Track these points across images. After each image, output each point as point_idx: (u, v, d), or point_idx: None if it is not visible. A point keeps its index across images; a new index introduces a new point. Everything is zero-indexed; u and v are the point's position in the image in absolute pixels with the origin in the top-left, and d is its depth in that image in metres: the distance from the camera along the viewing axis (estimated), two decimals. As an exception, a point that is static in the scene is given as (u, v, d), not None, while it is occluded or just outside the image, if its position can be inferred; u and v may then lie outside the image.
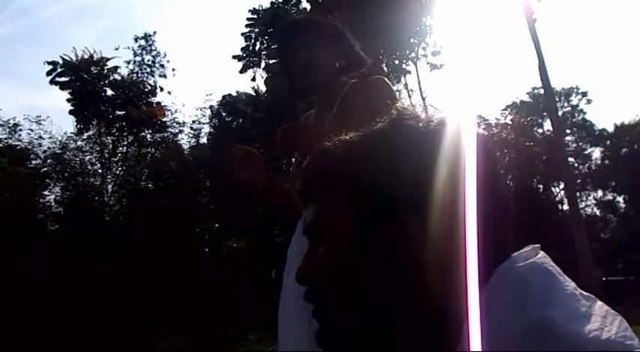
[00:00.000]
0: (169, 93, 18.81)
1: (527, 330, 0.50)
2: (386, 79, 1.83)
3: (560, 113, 22.59)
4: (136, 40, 18.19)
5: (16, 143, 15.49)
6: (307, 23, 1.99)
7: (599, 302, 0.56)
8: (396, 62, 17.16)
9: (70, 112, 16.26)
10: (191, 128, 18.37)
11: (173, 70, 18.70)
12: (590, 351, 0.49)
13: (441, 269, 0.57)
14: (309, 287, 0.64)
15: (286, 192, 1.70)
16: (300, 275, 0.65)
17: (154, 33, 18.66)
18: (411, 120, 0.64)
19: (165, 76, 18.24)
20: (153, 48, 18.20)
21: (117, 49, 18.11)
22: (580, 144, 28.78)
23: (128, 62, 17.69)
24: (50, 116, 23.95)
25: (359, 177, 0.61)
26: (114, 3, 36.13)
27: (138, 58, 17.91)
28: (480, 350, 0.50)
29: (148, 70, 17.98)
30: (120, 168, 16.68)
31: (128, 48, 17.89)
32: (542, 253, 0.60)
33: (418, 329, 0.58)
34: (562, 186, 21.31)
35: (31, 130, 15.56)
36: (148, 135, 17.53)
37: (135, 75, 17.67)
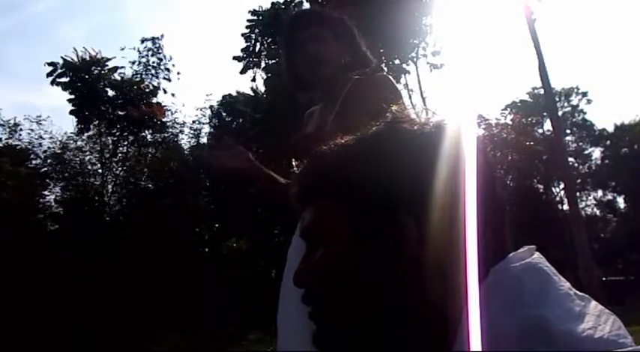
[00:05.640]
0: (173, 95, 18.62)
1: (522, 329, 0.50)
2: (390, 77, 1.78)
3: (560, 113, 22.56)
4: (142, 41, 18.17)
5: (16, 143, 15.53)
6: (318, 15, 1.92)
7: (594, 302, 0.56)
8: (396, 62, 17.16)
9: (71, 112, 16.26)
10: (191, 128, 18.40)
11: (178, 73, 18.52)
12: (584, 350, 0.50)
13: (438, 270, 0.57)
14: (307, 290, 0.64)
15: (273, 178, 1.71)
16: (298, 278, 0.65)
17: (162, 36, 18.60)
18: (407, 124, 0.64)
19: (169, 80, 18.16)
20: (159, 51, 18.14)
21: (122, 49, 18.01)
22: (580, 144, 28.75)
23: (133, 63, 17.68)
24: (45, 115, 23.77)
25: (355, 180, 0.62)
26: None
27: (143, 60, 17.88)
28: (480, 350, 0.50)
29: (153, 71, 17.95)
30: (120, 168, 16.67)
31: (134, 48, 17.88)
32: (537, 254, 0.61)
33: (416, 329, 0.58)
34: (562, 186, 21.28)
35: (32, 130, 15.61)
36: (149, 136, 17.52)
37: (139, 76, 17.64)
